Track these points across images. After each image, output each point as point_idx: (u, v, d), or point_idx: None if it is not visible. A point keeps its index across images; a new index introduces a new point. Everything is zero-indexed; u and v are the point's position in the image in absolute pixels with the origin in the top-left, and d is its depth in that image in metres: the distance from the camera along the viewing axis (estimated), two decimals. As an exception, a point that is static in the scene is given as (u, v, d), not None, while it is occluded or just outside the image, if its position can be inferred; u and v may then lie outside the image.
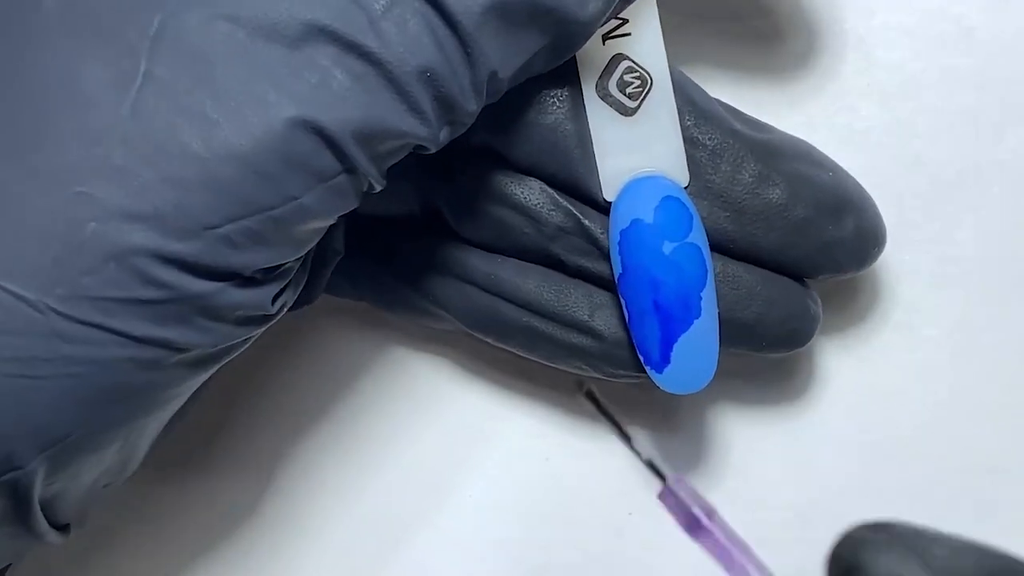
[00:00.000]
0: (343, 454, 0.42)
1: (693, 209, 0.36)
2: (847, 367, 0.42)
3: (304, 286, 0.36)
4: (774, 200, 0.37)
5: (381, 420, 0.42)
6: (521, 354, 0.39)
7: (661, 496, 0.35)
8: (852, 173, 0.38)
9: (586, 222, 0.37)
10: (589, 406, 0.42)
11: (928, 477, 0.41)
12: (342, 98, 0.30)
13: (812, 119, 0.42)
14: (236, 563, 0.42)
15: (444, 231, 0.39)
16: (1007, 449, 0.41)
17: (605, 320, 0.38)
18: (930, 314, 0.42)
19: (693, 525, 0.33)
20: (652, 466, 0.36)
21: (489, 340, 0.39)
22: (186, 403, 0.34)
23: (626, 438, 0.36)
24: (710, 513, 0.34)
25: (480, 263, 0.38)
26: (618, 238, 0.36)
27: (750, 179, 0.37)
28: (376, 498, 0.42)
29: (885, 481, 0.41)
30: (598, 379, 0.39)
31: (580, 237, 0.37)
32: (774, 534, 0.41)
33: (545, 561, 0.42)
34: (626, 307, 0.37)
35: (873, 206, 0.38)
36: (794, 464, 0.41)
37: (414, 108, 0.30)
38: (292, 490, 0.42)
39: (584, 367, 0.39)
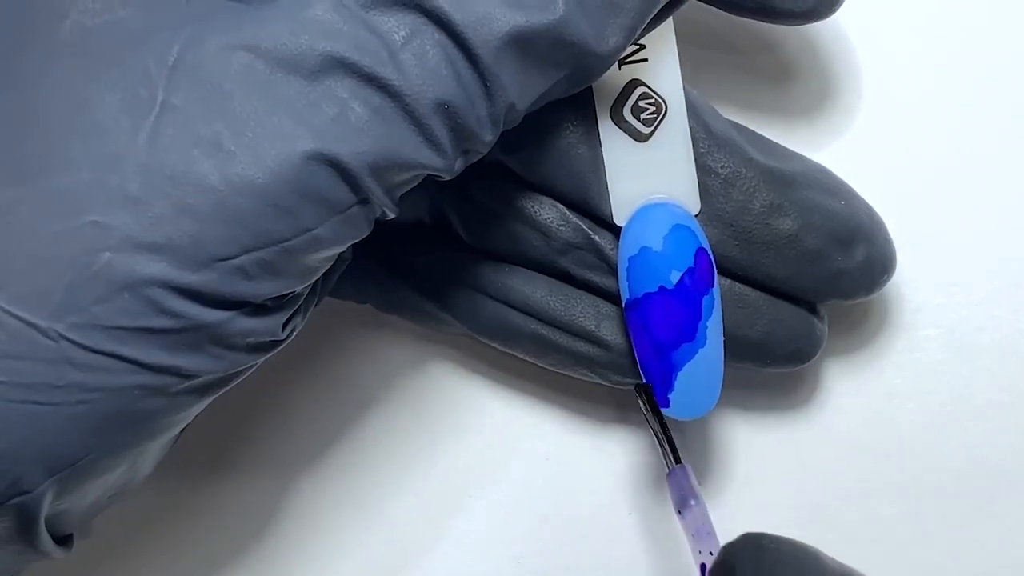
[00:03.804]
0: (345, 455, 0.42)
1: (703, 238, 0.36)
2: (848, 368, 0.42)
3: None
4: (784, 230, 0.37)
5: (382, 422, 0.42)
6: (528, 360, 0.39)
7: (669, 475, 0.36)
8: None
9: (595, 238, 0.37)
10: (588, 405, 0.42)
11: (928, 478, 0.41)
12: (359, 131, 0.29)
13: (812, 119, 0.42)
14: (246, 564, 0.42)
15: (453, 239, 0.39)
16: (1007, 450, 0.41)
17: (611, 330, 0.38)
18: (930, 314, 0.42)
19: (683, 504, 0.36)
20: (673, 447, 0.36)
21: (496, 346, 0.40)
22: None
23: (661, 424, 0.36)
24: (698, 498, 0.36)
25: (489, 272, 0.38)
26: (626, 264, 0.36)
27: (761, 208, 0.37)
28: (375, 498, 0.42)
29: (885, 482, 0.41)
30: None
31: (589, 252, 0.37)
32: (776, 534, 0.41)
33: (545, 561, 0.42)
34: (632, 332, 0.37)
35: (884, 233, 0.38)
36: (795, 465, 0.41)
37: (431, 140, 0.30)
38: (290, 488, 0.42)
39: (590, 375, 0.39)
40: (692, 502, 0.35)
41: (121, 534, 0.41)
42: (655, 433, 0.37)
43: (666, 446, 0.37)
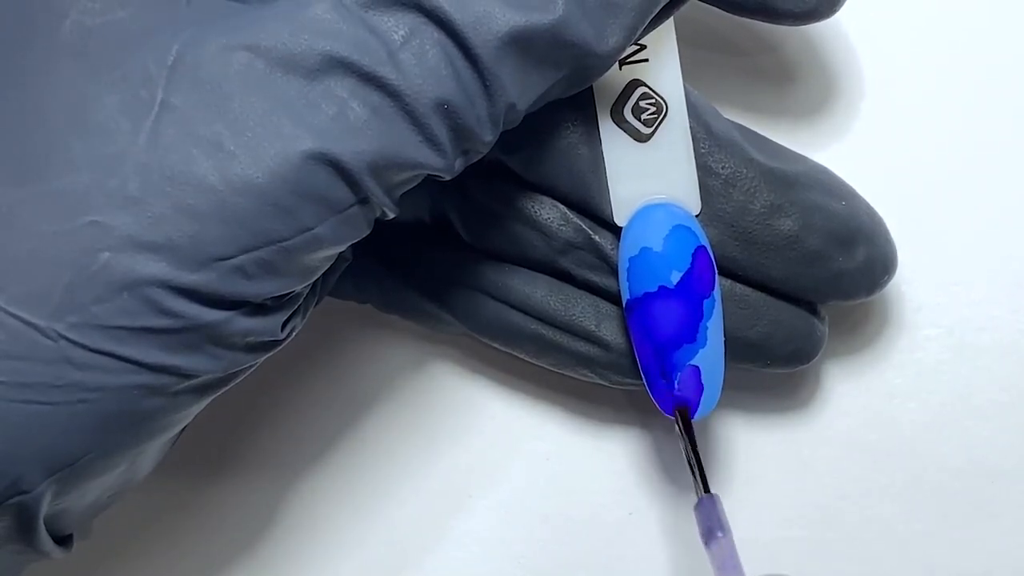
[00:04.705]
0: (346, 455, 0.42)
1: (704, 238, 0.36)
2: (848, 368, 0.42)
3: None
4: (785, 231, 0.37)
5: (383, 422, 0.42)
6: (529, 360, 0.39)
7: (698, 504, 0.36)
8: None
9: (596, 238, 0.37)
10: (589, 405, 0.42)
11: (928, 477, 0.41)
12: (359, 130, 0.29)
13: (813, 120, 0.42)
14: (247, 565, 0.42)
15: (454, 239, 0.39)
16: (1007, 449, 0.41)
17: (611, 330, 0.38)
18: (931, 314, 0.42)
19: (710, 536, 0.35)
20: (703, 476, 0.36)
21: (497, 346, 0.40)
22: None
23: (695, 451, 0.36)
24: (725, 531, 0.35)
25: (490, 272, 0.39)
26: (627, 265, 0.36)
27: (762, 209, 0.37)
28: (376, 498, 0.42)
29: (886, 482, 0.41)
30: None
31: (589, 252, 0.37)
32: (776, 534, 0.41)
33: (545, 561, 0.42)
34: (632, 333, 0.37)
35: (885, 233, 0.38)
36: (796, 465, 0.41)
37: (430, 139, 0.30)
38: (290, 488, 0.42)
39: (591, 375, 0.39)
40: (719, 534, 0.35)
41: (121, 534, 0.41)
42: (687, 460, 0.37)
43: (697, 474, 0.36)
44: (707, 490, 0.36)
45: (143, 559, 0.42)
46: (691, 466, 0.36)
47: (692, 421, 0.37)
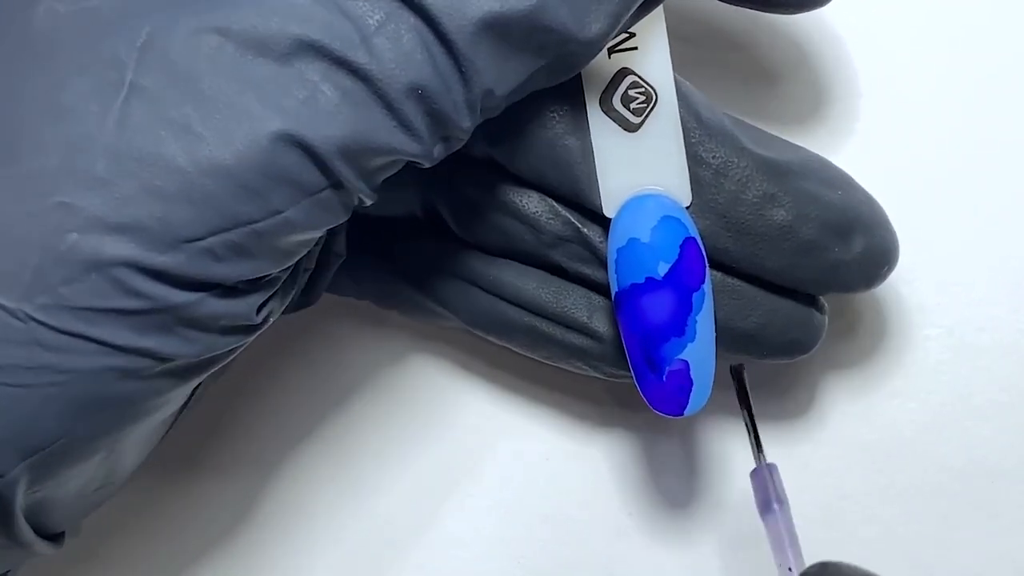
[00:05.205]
0: (343, 453, 0.42)
1: (693, 229, 0.36)
2: (849, 367, 0.42)
3: (305, 288, 0.36)
4: (779, 221, 0.36)
5: (382, 419, 0.43)
6: (523, 353, 0.39)
7: (754, 472, 0.36)
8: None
9: (585, 231, 0.37)
10: (590, 404, 0.42)
11: (928, 477, 0.41)
12: (329, 114, 0.29)
13: (811, 119, 0.42)
14: (236, 561, 0.42)
15: (446, 233, 0.39)
16: (1007, 449, 0.41)
17: (603, 322, 0.38)
18: (930, 314, 0.42)
19: (766, 507, 0.35)
20: (759, 444, 0.36)
21: (491, 339, 0.40)
22: (180, 409, 0.34)
23: (750, 415, 0.36)
24: (782, 503, 0.35)
25: (481, 265, 0.38)
26: (615, 256, 0.36)
27: (755, 199, 0.36)
28: (375, 497, 0.42)
29: (885, 482, 0.41)
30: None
31: (579, 245, 0.37)
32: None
33: (545, 561, 0.42)
34: (621, 325, 0.36)
35: (884, 224, 0.37)
36: (796, 464, 0.41)
37: (404, 124, 0.30)
38: (291, 487, 0.42)
39: (584, 367, 0.39)
40: (775, 506, 0.34)
41: (109, 531, 0.42)
42: (744, 423, 0.36)
43: (752, 440, 0.36)
44: (763, 457, 0.35)
45: (136, 555, 0.42)
46: (748, 430, 0.36)
47: (746, 386, 0.36)
